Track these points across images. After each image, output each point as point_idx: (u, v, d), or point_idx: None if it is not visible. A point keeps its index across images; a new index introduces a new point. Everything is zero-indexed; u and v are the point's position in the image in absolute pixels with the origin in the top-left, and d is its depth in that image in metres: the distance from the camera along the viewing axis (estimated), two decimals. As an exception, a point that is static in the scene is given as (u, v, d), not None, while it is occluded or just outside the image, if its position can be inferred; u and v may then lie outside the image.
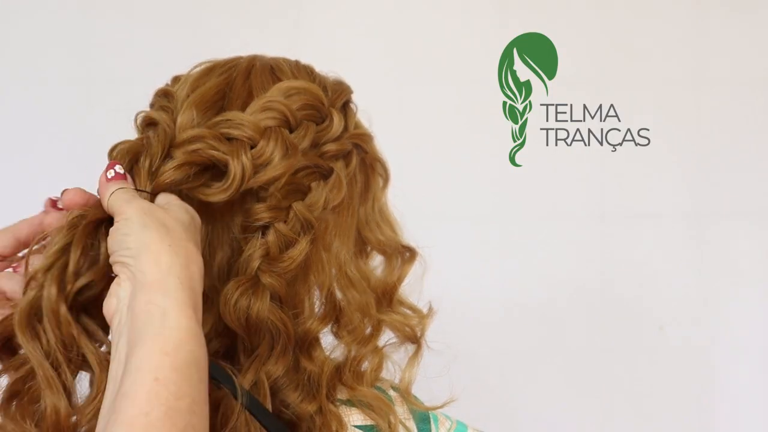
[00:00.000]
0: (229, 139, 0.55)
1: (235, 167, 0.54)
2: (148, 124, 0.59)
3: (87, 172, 0.57)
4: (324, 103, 0.60)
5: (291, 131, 0.58)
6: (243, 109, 0.58)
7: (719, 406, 1.31)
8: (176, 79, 0.63)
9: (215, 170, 0.55)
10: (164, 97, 0.61)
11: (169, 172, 0.54)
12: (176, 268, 0.45)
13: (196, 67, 0.63)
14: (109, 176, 0.52)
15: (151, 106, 0.62)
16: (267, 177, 0.55)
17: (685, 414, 1.30)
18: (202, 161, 0.54)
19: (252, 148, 0.55)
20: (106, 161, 0.57)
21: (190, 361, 0.42)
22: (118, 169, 0.52)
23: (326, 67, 0.67)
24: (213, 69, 0.62)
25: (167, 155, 0.55)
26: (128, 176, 0.53)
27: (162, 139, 0.56)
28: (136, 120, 0.60)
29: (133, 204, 0.49)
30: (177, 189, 0.54)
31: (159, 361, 0.41)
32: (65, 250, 0.49)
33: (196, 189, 0.55)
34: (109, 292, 0.47)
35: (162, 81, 0.65)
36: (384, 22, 1.26)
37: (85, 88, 1.18)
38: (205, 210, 0.57)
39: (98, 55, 1.19)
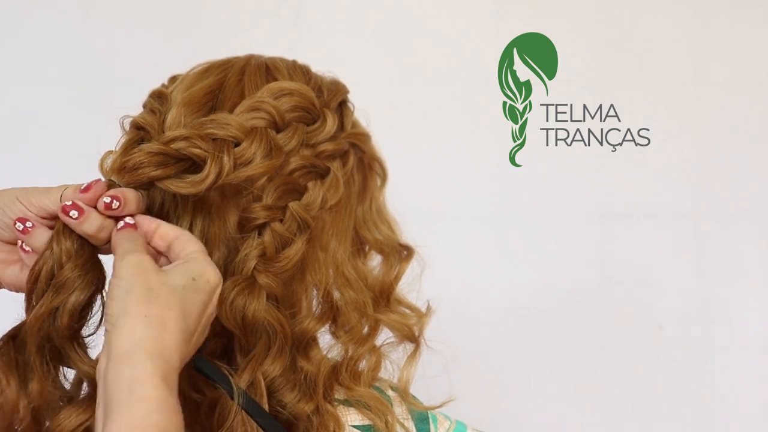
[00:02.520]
0: (214, 139, 0.54)
1: (210, 165, 0.53)
2: (135, 128, 0.58)
3: (87, 173, 0.58)
4: (315, 104, 0.60)
5: (278, 132, 0.57)
6: (233, 109, 0.57)
7: (719, 406, 1.30)
8: (173, 79, 0.63)
9: (193, 165, 0.54)
10: (157, 98, 0.61)
11: (138, 154, 0.52)
12: (146, 341, 0.44)
13: (194, 67, 0.63)
14: (119, 226, 0.52)
15: (144, 106, 0.62)
16: (244, 174, 0.54)
17: (685, 413, 1.30)
18: (180, 155, 0.53)
19: (236, 146, 0.55)
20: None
21: None
22: (129, 220, 0.52)
23: (325, 66, 0.67)
24: (209, 69, 0.62)
25: None
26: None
27: (147, 138, 0.55)
28: (122, 125, 0.59)
29: (126, 259, 0.49)
30: (149, 178, 0.53)
31: None
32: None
33: (168, 179, 0.53)
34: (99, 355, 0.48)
35: (161, 81, 0.65)
36: (384, 22, 1.26)
37: (85, 88, 1.18)
38: (201, 209, 0.57)
39: (98, 55, 1.19)
